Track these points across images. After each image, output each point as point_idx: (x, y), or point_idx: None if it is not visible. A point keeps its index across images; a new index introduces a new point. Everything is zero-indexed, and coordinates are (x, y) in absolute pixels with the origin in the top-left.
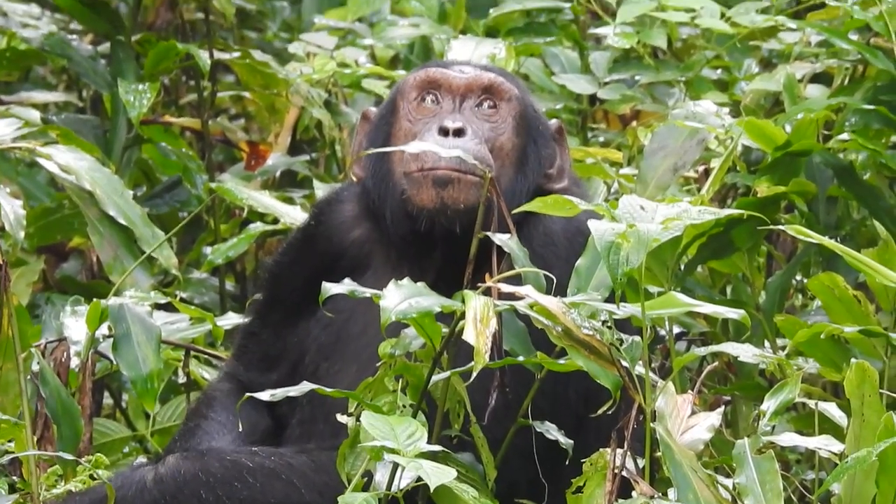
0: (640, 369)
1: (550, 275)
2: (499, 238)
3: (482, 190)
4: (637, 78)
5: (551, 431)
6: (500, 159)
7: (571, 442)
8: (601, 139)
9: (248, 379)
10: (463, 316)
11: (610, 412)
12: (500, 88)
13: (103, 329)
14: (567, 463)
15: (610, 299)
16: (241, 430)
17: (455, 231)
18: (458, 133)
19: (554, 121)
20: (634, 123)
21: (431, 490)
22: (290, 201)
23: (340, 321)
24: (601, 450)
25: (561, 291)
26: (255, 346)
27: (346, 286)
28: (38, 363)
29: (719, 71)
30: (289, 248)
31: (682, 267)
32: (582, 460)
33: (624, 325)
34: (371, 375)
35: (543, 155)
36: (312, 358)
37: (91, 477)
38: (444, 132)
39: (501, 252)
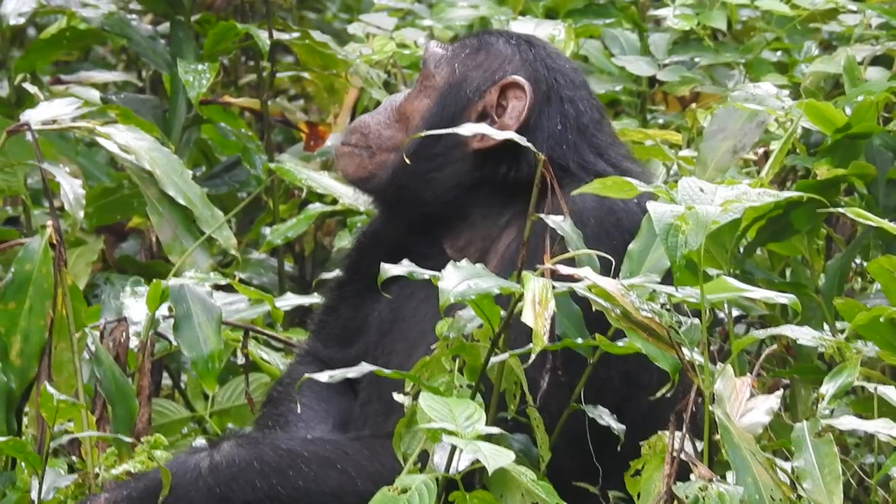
0: (698, 354)
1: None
2: (552, 220)
3: (360, 159)
4: (696, 60)
5: (603, 416)
6: (403, 123)
7: (623, 427)
8: (660, 121)
9: (327, 356)
10: (521, 298)
11: (668, 395)
12: (426, 55)
13: (163, 309)
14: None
15: (665, 282)
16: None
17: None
18: (379, 104)
19: (507, 79)
20: (694, 105)
21: (490, 473)
22: None
23: (402, 299)
24: (659, 432)
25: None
26: (333, 321)
27: (404, 268)
28: (93, 343)
29: (779, 53)
30: (376, 220)
31: (742, 249)
32: (640, 443)
33: (680, 307)
34: (419, 356)
35: (457, 117)
36: (372, 336)
37: (150, 457)
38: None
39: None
